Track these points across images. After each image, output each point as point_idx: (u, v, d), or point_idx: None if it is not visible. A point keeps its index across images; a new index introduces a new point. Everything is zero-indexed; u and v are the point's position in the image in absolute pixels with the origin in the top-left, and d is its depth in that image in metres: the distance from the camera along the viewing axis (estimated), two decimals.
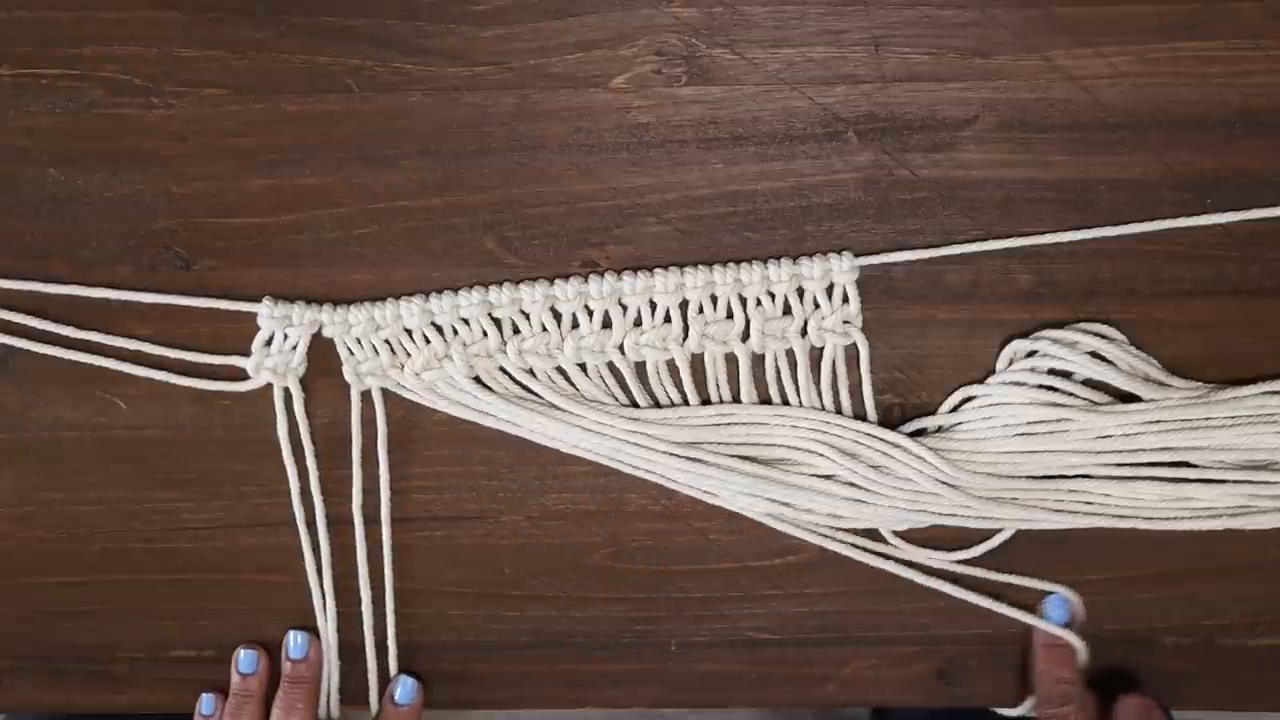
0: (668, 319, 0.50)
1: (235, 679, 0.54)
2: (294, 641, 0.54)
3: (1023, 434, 0.50)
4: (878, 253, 0.49)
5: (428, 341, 0.50)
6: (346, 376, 0.51)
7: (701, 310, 0.49)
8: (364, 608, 0.53)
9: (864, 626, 0.55)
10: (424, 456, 0.53)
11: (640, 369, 0.51)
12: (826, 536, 0.52)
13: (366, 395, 0.51)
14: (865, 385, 0.50)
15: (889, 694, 0.56)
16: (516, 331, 0.50)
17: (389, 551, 0.53)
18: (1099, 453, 0.50)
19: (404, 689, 0.54)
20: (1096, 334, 0.50)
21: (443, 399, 0.51)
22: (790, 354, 0.50)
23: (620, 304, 0.50)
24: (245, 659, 0.54)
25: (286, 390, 0.51)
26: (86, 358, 0.51)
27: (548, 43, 0.47)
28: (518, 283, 0.50)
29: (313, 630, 0.54)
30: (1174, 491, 0.50)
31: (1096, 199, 0.48)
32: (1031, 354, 0.50)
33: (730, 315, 0.50)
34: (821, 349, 0.50)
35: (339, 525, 0.52)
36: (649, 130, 0.48)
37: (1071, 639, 0.53)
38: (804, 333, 0.50)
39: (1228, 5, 0.46)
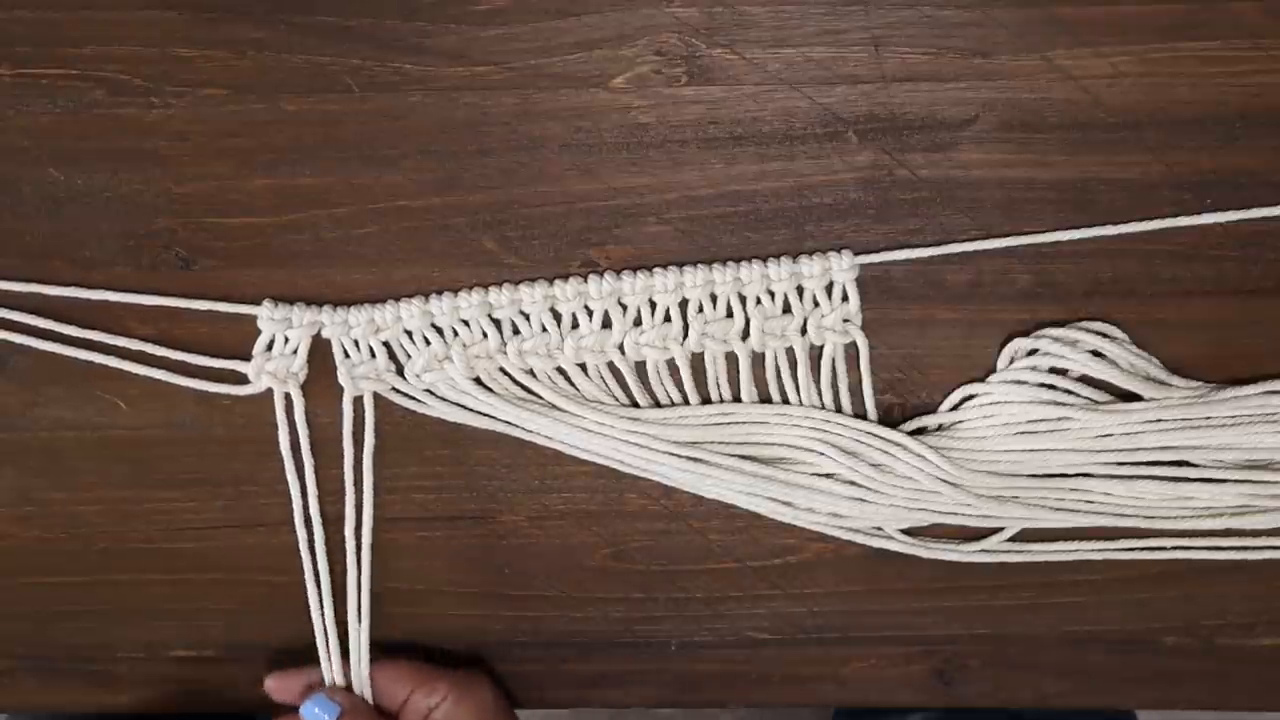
0: (667, 318, 0.50)
1: None
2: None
3: (1023, 432, 0.50)
4: (878, 252, 0.49)
5: (428, 343, 0.50)
6: (341, 380, 0.50)
7: (701, 309, 0.49)
8: (349, 613, 0.53)
9: (864, 626, 0.55)
10: (423, 456, 0.53)
11: (640, 369, 0.51)
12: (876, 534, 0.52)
13: (361, 401, 0.51)
14: (865, 384, 0.50)
15: (889, 694, 0.56)
16: (516, 332, 0.50)
17: (367, 565, 0.52)
18: (1100, 451, 0.50)
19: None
20: (1098, 333, 0.50)
21: (442, 403, 0.51)
22: (790, 353, 0.50)
23: (620, 304, 0.49)
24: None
25: (287, 395, 0.51)
26: (87, 357, 0.51)
27: (548, 43, 0.47)
28: (518, 283, 0.50)
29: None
30: (1174, 490, 0.50)
31: (1096, 199, 0.48)
32: (1032, 352, 0.50)
33: (730, 314, 0.50)
34: (821, 348, 0.50)
35: (338, 524, 0.52)
36: (649, 130, 0.48)
37: None
38: (804, 331, 0.50)
39: (1228, 5, 0.46)
